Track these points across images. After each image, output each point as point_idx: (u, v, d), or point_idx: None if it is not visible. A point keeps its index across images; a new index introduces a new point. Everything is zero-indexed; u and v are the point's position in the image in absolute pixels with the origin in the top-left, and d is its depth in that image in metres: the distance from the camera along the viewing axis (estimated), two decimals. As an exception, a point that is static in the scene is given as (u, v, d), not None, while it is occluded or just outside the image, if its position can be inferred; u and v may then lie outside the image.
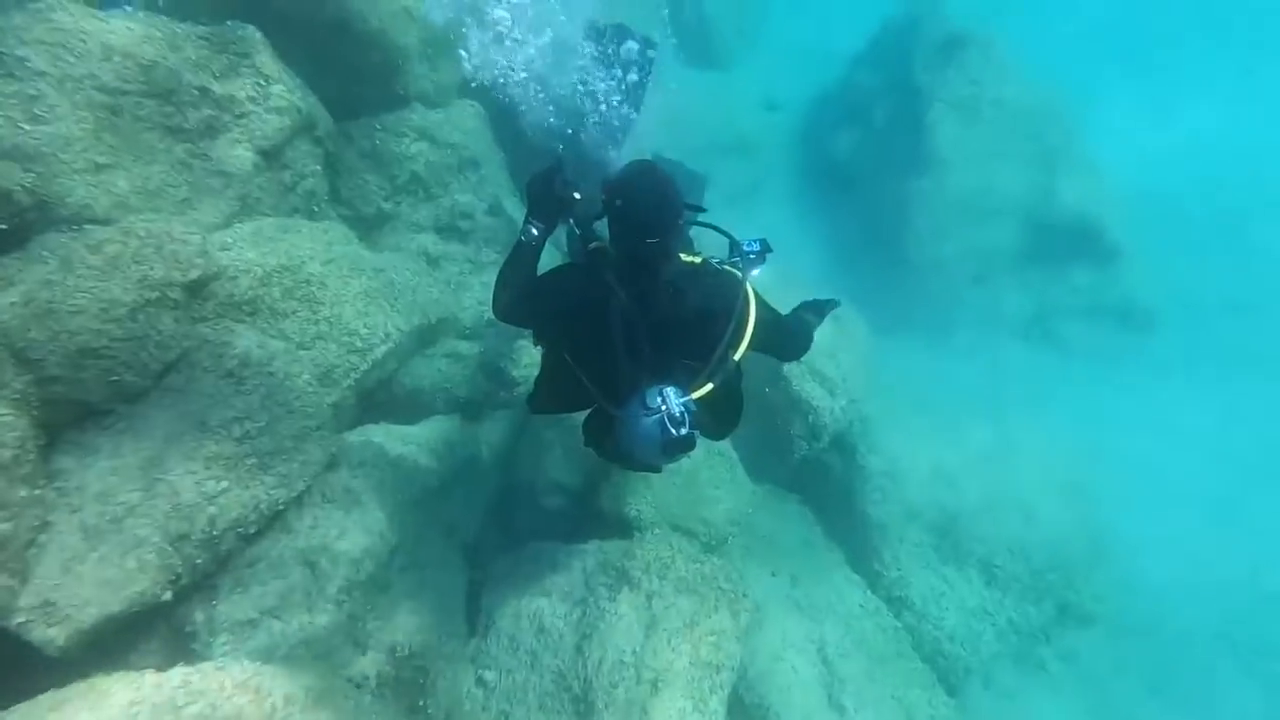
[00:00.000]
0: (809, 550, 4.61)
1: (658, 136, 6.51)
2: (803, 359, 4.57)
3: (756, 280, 2.35)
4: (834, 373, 4.63)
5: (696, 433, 2.12)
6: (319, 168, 4.16)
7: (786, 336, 2.54)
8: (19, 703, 1.98)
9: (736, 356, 2.20)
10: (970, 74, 6.89)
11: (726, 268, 2.34)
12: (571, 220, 2.40)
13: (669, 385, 2.12)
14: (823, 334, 4.72)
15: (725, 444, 4.34)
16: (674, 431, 2.07)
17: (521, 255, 2.42)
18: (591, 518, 4.00)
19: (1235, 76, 9.31)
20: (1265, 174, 8.03)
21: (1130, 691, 4.98)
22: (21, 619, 2.24)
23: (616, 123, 5.37)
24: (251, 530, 2.74)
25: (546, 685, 3.14)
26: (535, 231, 2.39)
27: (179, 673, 2.06)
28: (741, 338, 2.20)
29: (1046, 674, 4.99)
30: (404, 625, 3.03)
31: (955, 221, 6.52)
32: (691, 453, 2.24)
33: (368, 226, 4.56)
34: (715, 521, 3.91)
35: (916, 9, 7.50)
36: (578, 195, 2.37)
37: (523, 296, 2.39)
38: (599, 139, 5.29)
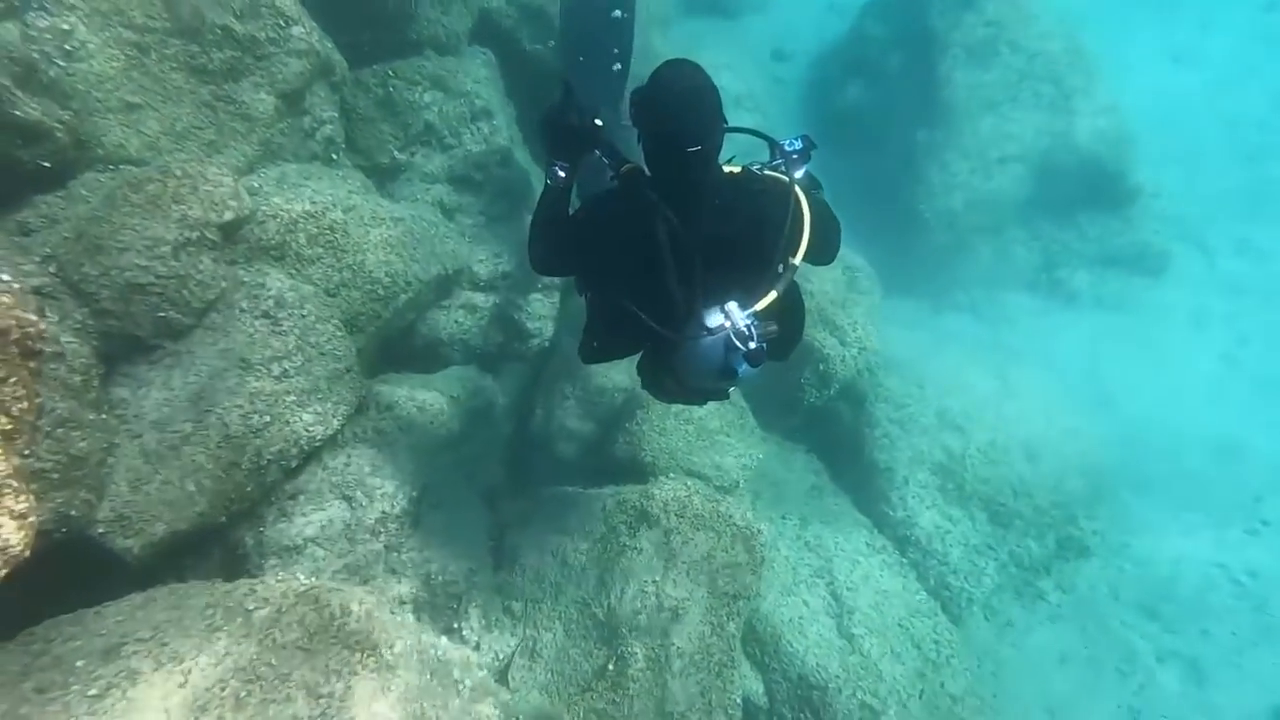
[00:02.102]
0: (817, 495, 4.78)
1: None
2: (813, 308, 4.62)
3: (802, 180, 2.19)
4: (844, 322, 4.72)
5: (765, 346, 2.01)
6: (336, 114, 4.15)
7: (833, 233, 2.34)
8: (107, 602, 2.18)
9: (796, 260, 2.07)
10: (988, 15, 6.74)
11: (769, 172, 2.16)
12: (598, 151, 2.22)
13: (729, 302, 2.01)
14: (834, 284, 4.83)
15: (736, 393, 4.44)
16: (742, 347, 1.97)
17: (552, 200, 2.27)
18: (606, 465, 4.16)
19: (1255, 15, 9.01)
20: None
21: (1127, 615, 5.18)
22: (101, 529, 2.43)
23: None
24: (293, 464, 2.90)
25: (571, 613, 3.34)
26: (561, 173, 2.24)
27: (245, 581, 2.24)
28: (798, 242, 2.07)
29: (1046, 603, 5.21)
30: (436, 557, 3.21)
31: (966, 172, 6.47)
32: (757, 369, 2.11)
33: (382, 176, 4.57)
34: (727, 467, 4.06)
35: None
36: (599, 122, 2.22)
37: (561, 240, 2.24)
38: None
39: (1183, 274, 7.01)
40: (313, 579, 2.44)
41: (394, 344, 4.08)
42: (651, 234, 1.98)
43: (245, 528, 2.93)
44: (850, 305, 4.71)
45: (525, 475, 4.27)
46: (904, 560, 4.69)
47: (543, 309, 4.50)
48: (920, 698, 4.04)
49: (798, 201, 2.08)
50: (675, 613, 3.18)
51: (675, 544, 3.29)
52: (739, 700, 3.36)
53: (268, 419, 2.78)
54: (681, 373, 2.20)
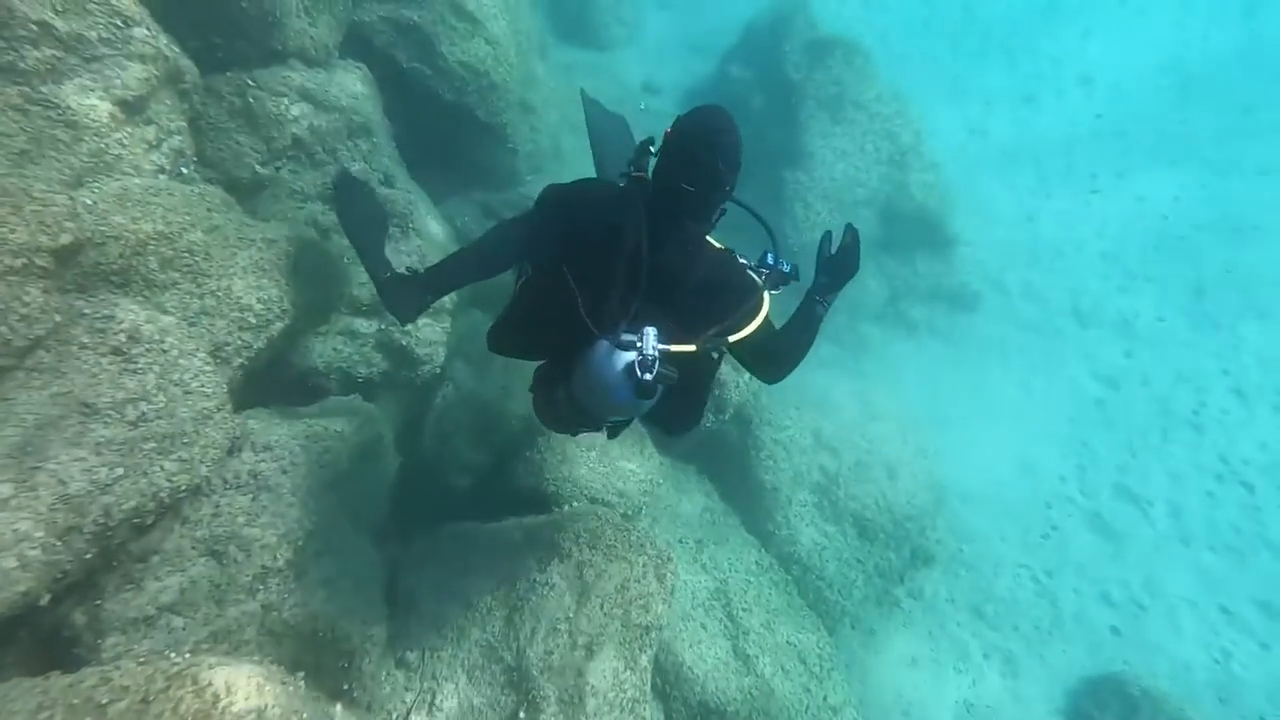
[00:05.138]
0: (710, 517, 4.91)
1: (554, 112, 6.49)
2: None
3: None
4: (738, 348, 4.92)
5: (660, 385, 1.98)
6: (184, 124, 3.74)
7: (777, 357, 2.44)
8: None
9: (732, 338, 2.15)
10: (834, 75, 7.51)
11: (749, 269, 2.29)
12: (631, 166, 2.31)
13: (649, 327, 2.01)
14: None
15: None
16: (639, 374, 1.94)
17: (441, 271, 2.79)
18: (504, 496, 3.99)
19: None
20: (1049, 178, 9.56)
21: (961, 616, 5.84)
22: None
23: None
24: (149, 521, 2.47)
25: (475, 659, 3.13)
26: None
27: (93, 671, 1.85)
28: (742, 326, 2.15)
29: (900, 610, 5.73)
30: (323, 611, 2.87)
31: (826, 212, 7.12)
32: (640, 412, 2.15)
33: (242, 192, 4.15)
34: (629, 493, 4.06)
35: (784, 10, 8.02)
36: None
37: (542, 219, 2.34)
38: None
39: (990, 310, 8.18)
40: (185, 655, 2.09)
41: (261, 375, 3.66)
42: (619, 233, 2.06)
43: (73, 603, 2.45)
44: (741, 332, 4.94)
45: (415, 512, 3.99)
46: (788, 577, 4.94)
47: (433, 334, 4.27)
48: (807, 713, 4.25)
49: (760, 300, 2.21)
50: (589, 650, 3.09)
51: (589, 577, 3.21)
52: (648, 734, 3.32)
53: (120, 471, 2.34)
54: (576, 384, 2.13)
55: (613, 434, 2.58)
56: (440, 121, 5.43)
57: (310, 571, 2.90)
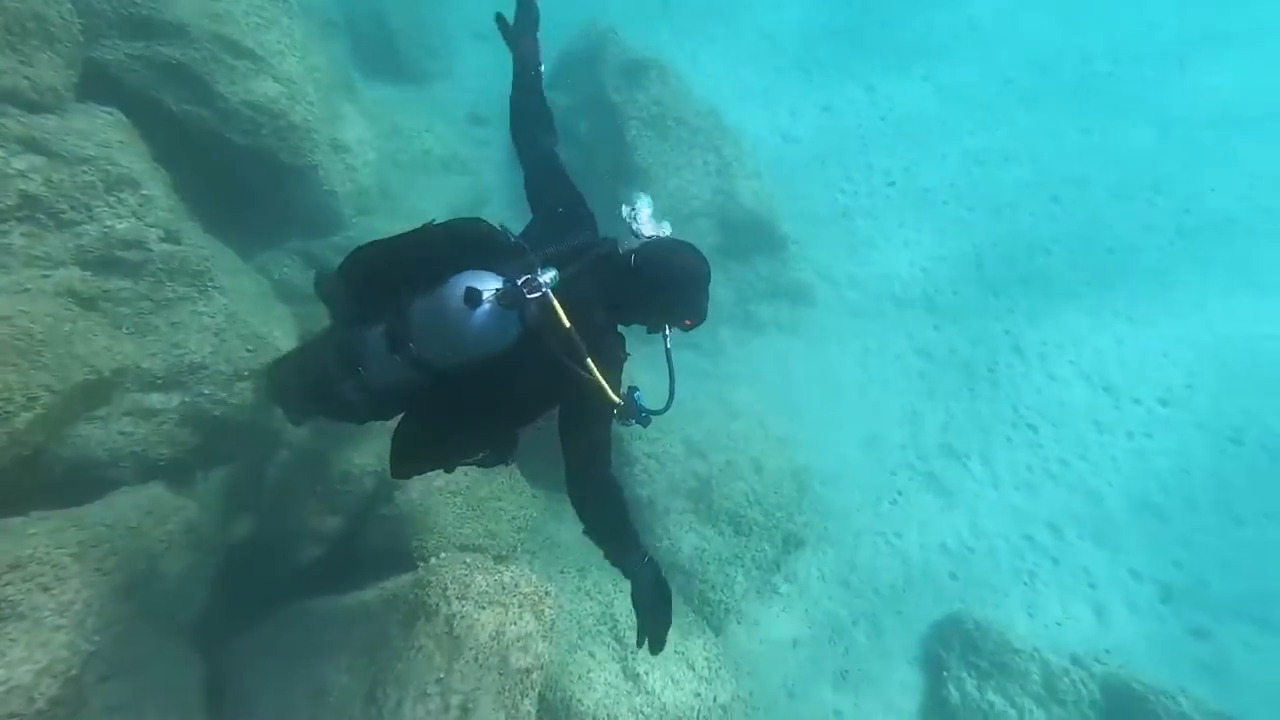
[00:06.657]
0: (590, 542, 4.74)
1: (372, 149, 6.13)
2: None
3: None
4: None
5: (514, 308, 2.14)
6: None
7: (587, 467, 2.48)
8: None
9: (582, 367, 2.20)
10: (653, 95, 7.77)
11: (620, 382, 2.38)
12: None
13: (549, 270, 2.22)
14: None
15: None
16: (517, 285, 2.12)
17: None
18: (363, 562, 3.60)
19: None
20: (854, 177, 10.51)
21: (832, 590, 6.12)
22: None
23: None
24: None
25: (332, 757, 2.74)
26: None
27: None
28: (582, 366, 2.18)
29: (779, 596, 5.89)
30: (119, 747, 2.36)
31: (668, 224, 7.26)
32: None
33: (-58, 267, 3.41)
34: (501, 533, 3.83)
35: (595, 36, 8.21)
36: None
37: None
38: None
39: (824, 302, 8.79)
40: None
41: (7, 480, 2.99)
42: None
43: None
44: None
45: (257, 599, 3.47)
46: (672, 586, 4.87)
47: (256, 397, 3.77)
48: (698, 717, 4.20)
49: (606, 392, 2.25)
50: (464, 709, 2.81)
51: (460, 631, 2.92)
52: (533, 786, 3.07)
53: None
54: (423, 301, 2.21)
55: (360, 419, 2.52)
56: (238, 167, 4.91)
57: (92, 702, 2.38)
